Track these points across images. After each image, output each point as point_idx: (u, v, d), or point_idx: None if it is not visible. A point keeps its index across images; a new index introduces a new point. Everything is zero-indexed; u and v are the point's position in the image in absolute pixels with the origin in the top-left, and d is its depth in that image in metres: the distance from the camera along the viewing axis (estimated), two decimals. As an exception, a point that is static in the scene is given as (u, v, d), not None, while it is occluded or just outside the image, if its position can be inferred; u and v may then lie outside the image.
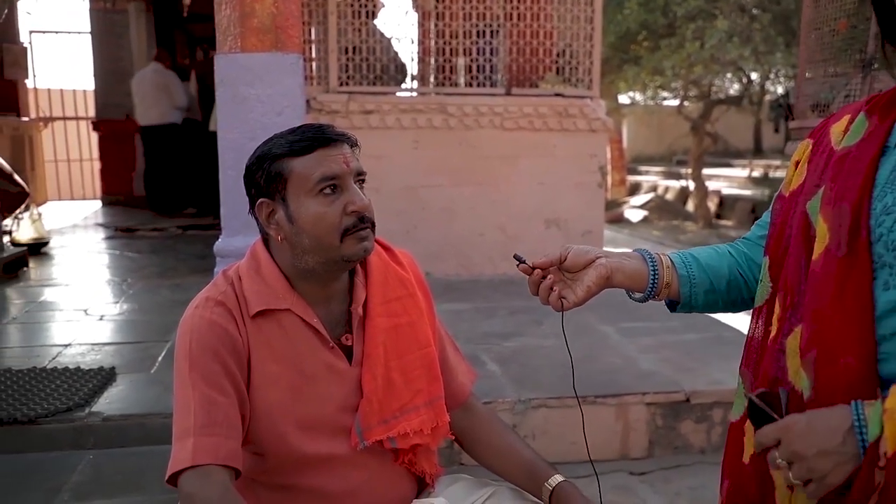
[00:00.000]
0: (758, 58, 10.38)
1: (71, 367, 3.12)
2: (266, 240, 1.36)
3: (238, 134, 2.86)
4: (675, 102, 13.56)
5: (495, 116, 4.92)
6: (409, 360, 1.41)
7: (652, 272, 1.23)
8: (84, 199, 10.26)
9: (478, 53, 4.98)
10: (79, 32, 10.01)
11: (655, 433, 2.94)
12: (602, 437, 2.90)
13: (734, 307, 1.28)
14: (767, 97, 12.88)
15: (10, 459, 2.58)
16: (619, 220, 12.67)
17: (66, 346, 3.51)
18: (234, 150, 2.83)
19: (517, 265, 1.29)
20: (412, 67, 5.30)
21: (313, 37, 4.98)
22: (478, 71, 5.02)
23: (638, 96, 14.77)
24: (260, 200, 1.30)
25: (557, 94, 5.01)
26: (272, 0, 2.82)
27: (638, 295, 1.28)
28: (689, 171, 12.96)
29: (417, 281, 1.50)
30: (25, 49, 9.58)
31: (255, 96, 2.87)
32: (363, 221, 1.29)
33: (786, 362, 1.02)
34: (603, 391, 2.94)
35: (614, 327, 3.78)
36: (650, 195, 14.03)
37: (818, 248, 0.99)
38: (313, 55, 4.92)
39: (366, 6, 4.88)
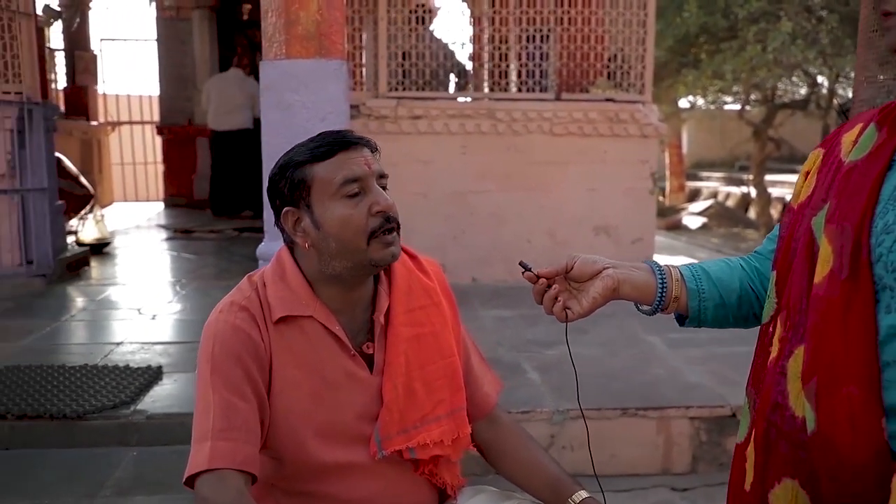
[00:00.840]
0: (825, 60, 10.03)
1: (120, 364, 3.21)
2: (291, 247, 1.36)
3: (282, 139, 2.89)
4: (737, 107, 13.20)
5: (544, 122, 4.87)
6: (431, 369, 1.39)
7: (660, 285, 1.19)
8: (147, 200, 10.59)
9: (527, 58, 4.95)
10: (145, 40, 10.35)
11: (699, 448, 2.85)
12: (643, 451, 2.83)
13: (745, 323, 1.23)
14: (836, 101, 12.43)
15: (58, 454, 2.67)
16: (676, 227, 12.40)
17: (118, 344, 3.62)
18: (278, 155, 2.86)
19: (522, 273, 1.27)
20: (465, 72, 5.29)
21: (364, 42, 5.02)
22: (527, 76, 4.98)
23: (698, 100, 14.44)
24: (285, 209, 1.30)
25: (608, 99, 4.93)
26: (316, 8, 2.85)
27: (646, 308, 1.25)
28: (751, 177, 12.59)
29: (443, 290, 1.48)
30: (96, 56, 9.97)
31: (300, 102, 2.91)
32: (389, 221, 1.28)
33: (786, 386, 0.97)
34: (644, 403, 2.87)
35: (661, 338, 3.69)
36: (710, 202, 13.68)
37: (821, 270, 0.94)
38: (363, 61, 4.95)
39: (416, 12, 4.90)
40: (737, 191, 14.09)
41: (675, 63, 10.89)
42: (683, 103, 14.65)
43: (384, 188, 1.32)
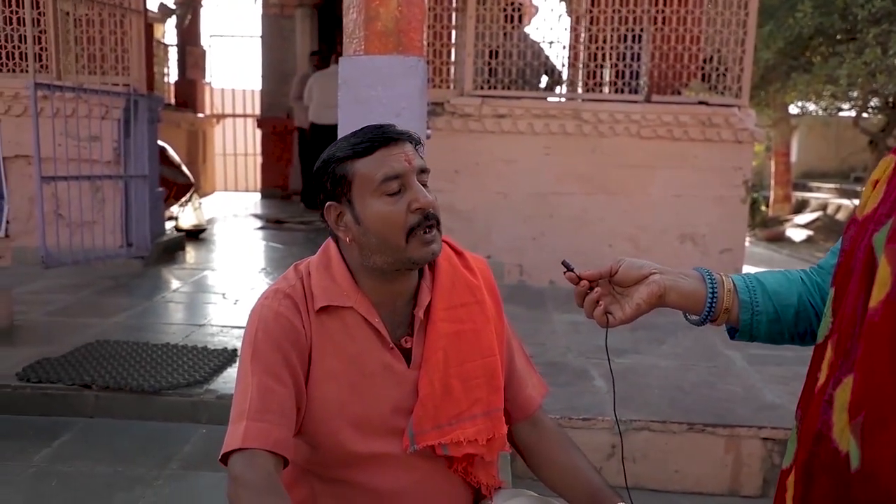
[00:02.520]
0: (955, 67, 9.31)
1: (199, 345, 3.36)
2: (337, 239, 1.38)
3: (359, 135, 2.95)
4: (853, 114, 12.44)
5: (632, 124, 4.75)
6: (469, 367, 1.38)
7: (710, 294, 1.13)
8: (246, 191, 11.04)
9: (618, 59, 4.83)
10: (251, 36, 10.78)
11: (772, 471, 2.71)
12: (709, 470, 2.72)
13: (802, 340, 1.15)
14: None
15: (135, 425, 2.82)
16: (779, 239, 11.83)
17: (199, 326, 3.79)
18: (353, 150, 2.92)
19: (564, 272, 1.23)
20: (555, 71, 5.22)
21: (453, 40, 5.04)
22: (617, 77, 4.87)
23: (811, 106, 13.71)
24: (328, 204, 1.31)
25: (701, 102, 4.75)
26: (396, 4, 2.88)
27: (694, 318, 1.19)
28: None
29: (488, 288, 1.46)
30: (205, 52, 10.46)
31: (376, 97, 2.95)
32: (428, 219, 1.27)
33: (832, 417, 0.90)
34: (714, 420, 2.75)
35: (742, 353, 3.52)
36: (817, 214, 12.97)
37: (878, 294, 0.86)
38: (451, 59, 4.97)
39: (506, 10, 4.88)
40: (848, 203, 13.27)
41: (785, 66, 10.36)
42: (793, 109, 13.94)
43: (425, 183, 1.31)
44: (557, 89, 5.26)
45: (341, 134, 3.03)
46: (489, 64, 4.85)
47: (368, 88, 2.93)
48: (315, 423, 1.31)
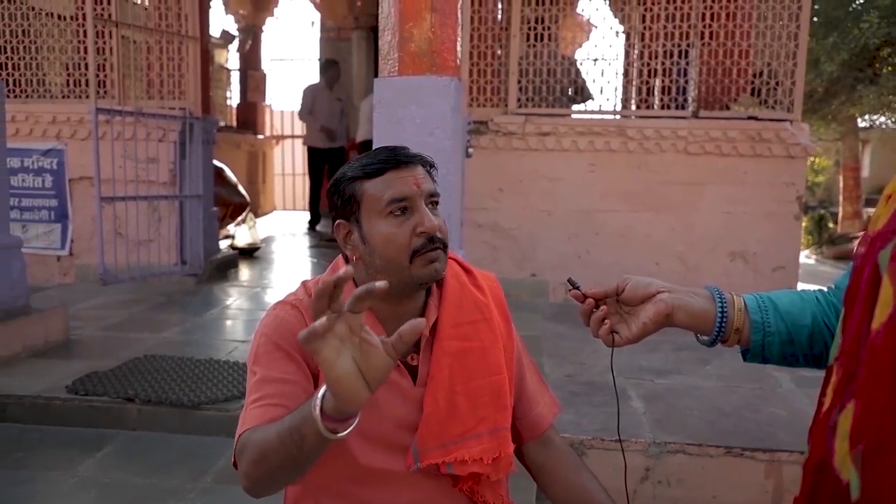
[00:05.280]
0: None
1: (241, 361, 3.44)
2: (347, 260, 1.41)
3: (392, 154, 2.99)
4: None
5: (678, 140, 4.66)
6: (476, 385, 1.38)
7: (720, 314, 1.10)
8: (304, 210, 11.25)
9: (665, 75, 4.77)
10: (309, 59, 11.06)
11: (815, 499, 2.59)
12: (748, 495, 2.62)
13: (818, 363, 1.10)
14: None
15: (173, 438, 2.90)
16: (847, 257, 11.37)
17: (243, 342, 3.88)
18: (387, 170, 2.96)
19: (568, 290, 1.22)
20: (608, 89, 5.15)
21: (499, 59, 5.06)
22: (664, 92, 4.80)
23: (881, 119, 13.19)
24: (338, 222, 1.34)
25: (751, 118, 4.63)
26: (429, 26, 2.92)
27: (704, 338, 1.15)
28: (941, 205, 11.27)
29: (498, 305, 1.46)
30: (265, 75, 10.78)
31: (409, 117, 2.98)
32: (433, 242, 1.29)
33: (835, 444, 0.86)
34: (754, 444, 2.66)
35: (790, 374, 3.40)
36: (889, 231, 12.40)
37: (880, 315, 0.81)
38: (494, 77, 4.99)
39: (549, 29, 4.88)
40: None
41: (851, 78, 10.02)
42: (862, 122, 13.44)
43: (435, 205, 1.32)
44: (602, 106, 5.21)
45: (373, 154, 3.09)
46: (533, 82, 4.85)
47: (402, 108, 2.97)
48: None
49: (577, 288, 1.19)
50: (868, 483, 0.79)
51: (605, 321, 1.17)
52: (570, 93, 4.98)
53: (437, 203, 1.33)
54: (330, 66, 8.08)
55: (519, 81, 4.83)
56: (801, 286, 4.85)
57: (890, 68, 9.88)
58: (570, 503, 1.41)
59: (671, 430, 2.76)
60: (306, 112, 7.90)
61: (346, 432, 1.02)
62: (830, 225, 13.49)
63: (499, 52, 5.05)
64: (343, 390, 0.94)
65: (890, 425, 0.78)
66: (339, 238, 1.34)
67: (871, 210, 14.06)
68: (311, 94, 7.92)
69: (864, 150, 15.77)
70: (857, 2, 10.03)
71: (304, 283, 1.44)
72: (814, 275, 9.17)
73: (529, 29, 4.83)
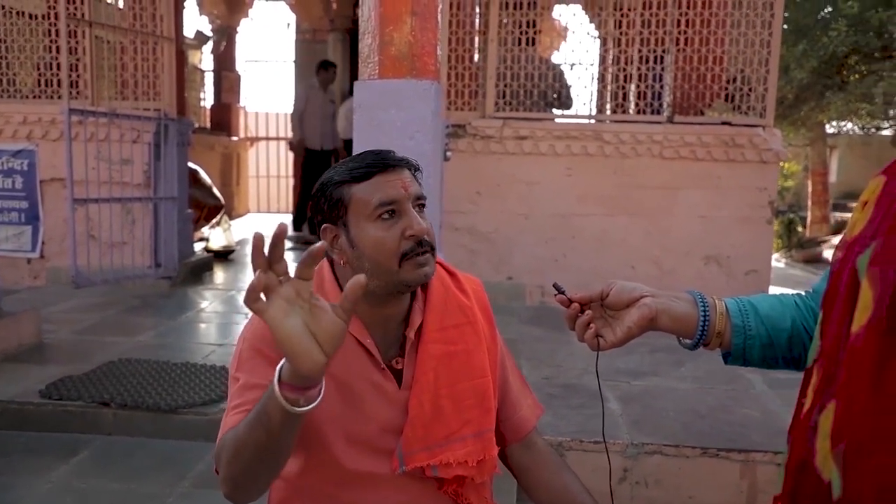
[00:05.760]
0: None
1: (218, 365, 3.41)
2: (332, 261, 1.41)
3: (373, 157, 2.99)
4: (892, 132, 12.20)
5: (654, 145, 4.72)
6: (460, 388, 1.38)
7: (702, 318, 1.12)
8: (279, 212, 11.19)
9: (640, 80, 4.82)
10: (284, 61, 11.00)
11: (789, 499, 2.64)
12: (723, 496, 2.66)
13: (797, 365, 1.13)
14: None
15: (150, 443, 2.87)
16: (816, 260, 11.60)
17: (219, 345, 3.85)
18: (366, 172, 2.96)
19: (554, 295, 1.23)
20: (584, 94, 5.21)
21: (476, 62, 5.09)
22: (639, 97, 4.86)
23: (848, 125, 13.47)
24: (324, 226, 1.34)
25: (725, 123, 4.71)
26: (409, 29, 2.92)
27: (686, 341, 1.18)
28: (906, 209, 11.54)
29: (482, 309, 1.47)
30: (239, 76, 10.70)
31: (390, 121, 2.99)
32: (421, 245, 1.29)
33: (816, 444, 0.88)
34: (729, 445, 2.70)
35: (763, 376, 3.46)
36: (856, 234, 12.66)
37: (860, 318, 0.84)
38: (472, 81, 5.01)
39: (527, 34, 4.91)
40: (888, 224, 12.97)
41: (820, 85, 10.22)
42: (830, 128, 13.71)
43: (422, 208, 1.33)
44: (578, 111, 5.25)
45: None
46: (510, 86, 4.88)
47: (382, 112, 2.98)
48: (310, 434, 1.32)
49: (563, 292, 1.21)
50: (849, 482, 0.81)
51: (591, 325, 1.18)
52: (547, 98, 5.00)
53: (423, 206, 1.33)
54: (326, 68, 7.89)
55: (497, 85, 4.86)
56: (772, 290, 4.94)
57: (857, 76, 10.10)
58: (552, 504, 1.43)
59: (648, 432, 2.80)
60: (298, 112, 7.74)
61: (308, 406, 1.00)
62: (799, 229, 13.73)
63: (476, 55, 5.08)
64: (294, 349, 0.92)
65: (870, 425, 0.80)
66: (326, 242, 1.34)
67: (839, 214, 14.35)
68: (304, 94, 7.79)
69: (831, 156, 16.08)
70: (826, 10, 10.24)
71: (286, 287, 1.43)
72: (784, 278, 9.33)
73: (507, 33, 4.86)
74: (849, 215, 12.65)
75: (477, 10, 5.06)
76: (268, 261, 0.94)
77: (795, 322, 1.11)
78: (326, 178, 1.34)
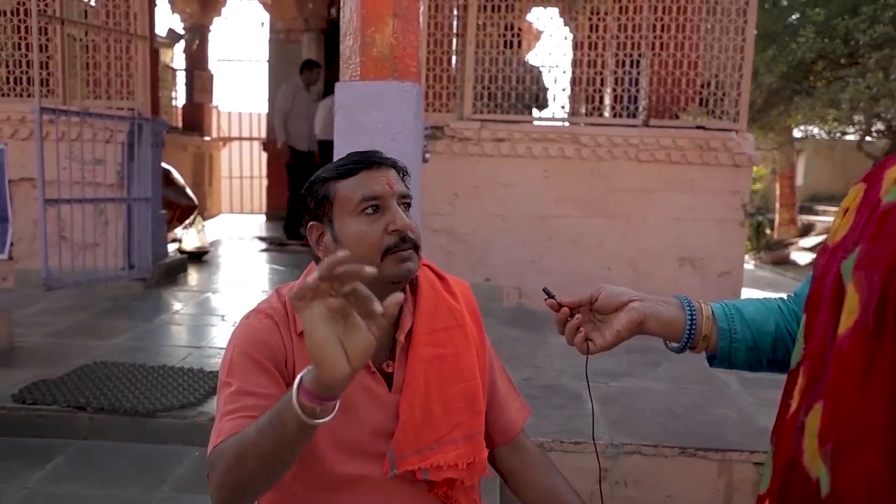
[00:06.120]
0: (959, 90, 9.32)
1: (195, 367, 3.38)
2: (318, 262, 1.40)
3: (353, 159, 2.98)
4: (858, 137, 12.46)
5: (630, 148, 4.78)
6: (451, 391, 1.39)
7: (689, 322, 1.15)
8: (252, 213, 11.10)
9: (616, 84, 4.87)
10: (257, 61, 10.92)
11: (765, 497, 2.69)
12: (701, 494, 2.70)
13: (780, 368, 1.16)
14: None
15: (127, 447, 2.83)
16: (784, 262, 11.81)
17: (197, 348, 3.81)
18: (348, 174, 2.95)
19: (545, 300, 1.25)
20: (561, 97, 5.24)
21: (453, 65, 5.10)
22: (616, 101, 4.91)
23: (815, 130, 13.74)
24: (310, 224, 1.34)
25: (699, 127, 4.78)
26: (391, 31, 2.92)
27: (674, 345, 1.20)
28: (870, 212, 11.79)
29: (470, 312, 1.48)
30: (212, 76, 10.60)
31: (371, 123, 2.98)
32: (405, 241, 1.29)
33: (803, 443, 0.91)
34: (707, 444, 2.74)
35: (736, 376, 3.52)
36: (823, 237, 12.93)
37: (846, 321, 0.87)
38: (450, 83, 5.02)
39: (505, 36, 4.94)
40: (853, 226, 13.25)
41: (788, 90, 10.41)
42: (798, 133, 13.97)
43: (408, 207, 1.33)
44: (555, 113, 5.30)
45: (336, 158, 3.08)
46: (488, 88, 4.90)
47: (364, 113, 2.97)
48: None
49: (553, 297, 1.23)
50: (837, 480, 0.84)
51: (580, 329, 1.20)
52: (525, 100, 5.04)
53: (409, 205, 1.34)
54: (311, 68, 7.76)
55: (474, 87, 4.88)
56: (743, 292, 5.02)
57: (824, 81, 10.29)
58: (541, 506, 1.44)
59: (627, 432, 2.83)
60: (283, 113, 7.60)
61: (324, 419, 1.00)
62: (768, 231, 13.96)
63: (454, 57, 5.09)
64: (322, 355, 0.92)
65: (857, 425, 0.83)
66: (312, 240, 1.35)
67: (805, 217, 14.63)
68: (291, 94, 7.67)
69: (798, 160, 16.37)
70: (794, 17, 10.44)
71: (277, 291, 1.43)
72: (753, 280, 9.48)
73: (485, 35, 4.88)
74: (815, 218, 12.87)
75: (455, 12, 5.07)
76: (334, 276, 0.92)
77: (779, 325, 1.14)
78: (314, 177, 1.35)
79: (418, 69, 3.10)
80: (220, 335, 4.09)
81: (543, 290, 1.26)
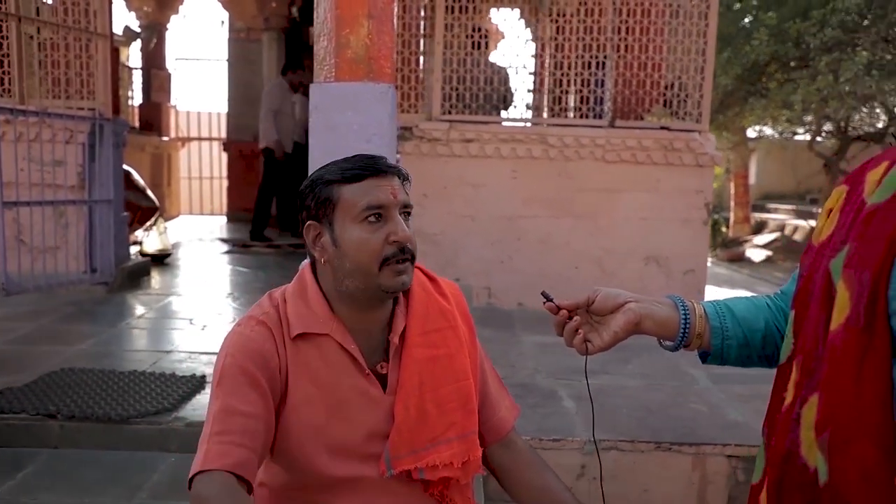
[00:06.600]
0: (904, 92, 9.67)
1: (167, 372, 3.32)
2: (314, 265, 1.40)
3: (328, 159, 2.94)
4: (809, 138, 12.82)
5: (597, 148, 4.84)
6: (444, 391, 1.40)
7: (683, 321, 1.19)
8: (212, 214, 10.94)
9: (582, 85, 4.94)
10: (217, 60, 10.77)
11: (736, 488, 2.77)
12: (677, 487, 2.76)
13: (770, 363, 1.20)
14: (903, 133, 11.92)
15: (102, 455, 2.77)
16: (739, 260, 12.09)
17: (167, 352, 3.75)
18: (324, 175, 2.94)
19: (543, 303, 1.27)
20: (527, 97, 5.28)
21: (421, 65, 5.11)
22: (582, 102, 4.98)
23: (768, 130, 14.09)
24: (308, 223, 1.34)
25: (664, 128, 4.88)
26: (366, 32, 2.92)
27: (668, 343, 1.24)
28: (821, 210, 12.17)
29: (461, 312, 1.50)
30: (170, 75, 10.41)
31: (346, 124, 2.98)
32: (403, 252, 1.31)
33: (800, 434, 0.95)
34: (681, 438, 2.80)
35: (705, 372, 3.60)
36: (775, 234, 13.30)
37: (838, 317, 0.91)
38: (419, 84, 5.03)
39: (473, 37, 4.96)
40: (805, 224, 13.65)
41: (743, 92, 10.66)
42: (751, 133, 14.32)
43: (408, 216, 1.34)
44: (523, 114, 5.34)
45: (312, 159, 3.06)
46: (456, 89, 4.92)
47: (339, 115, 2.97)
48: (291, 447, 1.32)
49: (551, 300, 1.25)
50: (835, 468, 0.88)
51: (579, 331, 1.23)
52: (493, 101, 5.07)
53: (409, 214, 1.36)
54: (295, 69, 7.70)
55: (443, 88, 4.89)
56: (707, 289, 5.14)
57: (776, 83, 10.56)
58: (533, 502, 1.46)
59: (604, 429, 2.87)
60: (273, 113, 7.52)
61: None
62: (723, 229, 14.28)
63: (422, 58, 5.10)
64: None
65: (853, 414, 0.87)
66: (309, 239, 1.35)
67: (758, 215, 15.01)
68: (279, 95, 7.60)
69: (750, 159, 16.76)
70: (746, 20, 10.69)
71: (269, 295, 1.42)
72: (711, 277, 9.65)
73: (453, 36, 4.90)
74: (768, 216, 13.18)
75: (422, 13, 5.08)
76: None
77: (768, 322, 1.18)
78: (316, 177, 1.35)
79: (393, 70, 3.11)
80: (189, 339, 4.03)
81: (542, 293, 1.29)
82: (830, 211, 1.04)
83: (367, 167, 1.31)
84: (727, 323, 1.18)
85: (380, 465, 1.34)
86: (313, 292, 1.36)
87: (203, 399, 3.07)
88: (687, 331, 1.18)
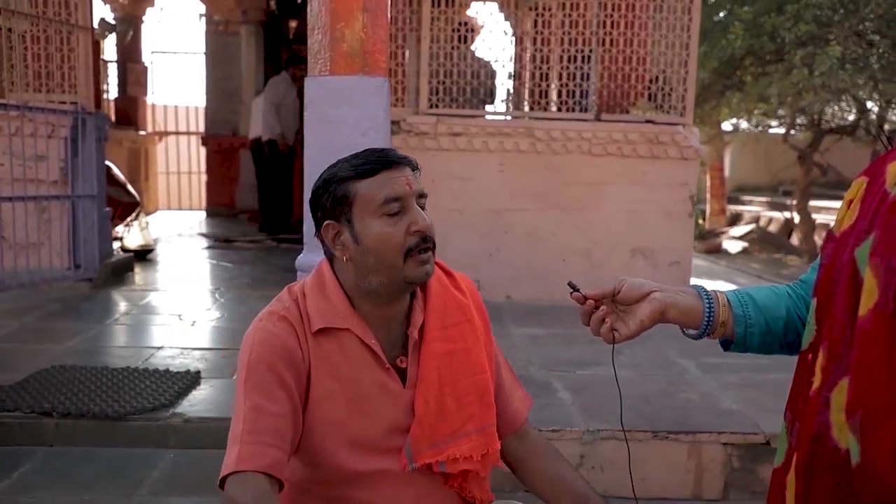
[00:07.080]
0: (876, 85, 9.83)
1: (161, 368, 3.30)
2: (331, 260, 1.40)
3: (323, 154, 2.94)
4: (783, 131, 13.00)
5: (583, 142, 4.88)
6: (462, 385, 1.41)
7: (707, 309, 1.21)
8: (190, 209, 10.82)
9: (568, 78, 4.97)
10: (194, 53, 10.64)
11: (731, 475, 2.82)
12: (673, 475, 2.81)
13: (791, 350, 1.23)
14: (887, 127, 12.13)
15: (99, 452, 2.75)
16: (716, 251, 12.23)
17: (158, 348, 3.72)
18: (319, 170, 2.92)
19: (570, 293, 1.29)
20: (508, 91, 5.32)
21: (407, 59, 5.10)
22: (568, 96, 5.01)
23: (743, 123, 14.26)
24: (326, 222, 1.34)
25: (649, 121, 4.93)
26: (361, 26, 2.91)
27: (692, 332, 1.26)
28: (795, 202, 12.37)
29: (476, 306, 1.51)
30: (146, 68, 10.26)
31: (341, 118, 2.97)
32: (426, 241, 1.32)
33: (829, 417, 0.97)
34: (676, 427, 2.85)
35: (695, 362, 3.65)
36: (751, 226, 13.48)
37: (866, 303, 0.94)
38: (405, 78, 5.03)
39: (458, 30, 4.97)
40: (780, 216, 13.87)
41: (720, 85, 10.76)
42: (727, 126, 14.48)
43: (423, 207, 1.35)
44: (510, 107, 5.36)
45: (307, 154, 3.05)
46: (443, 83, 4.92)
47: (334, 109, 2.95)
48: (313, 442, 1.32)
49: (578, 290, 1.27)
50: (867, 448, 0.90)
51: (605, 320, 1.25)
52: (480, 94, 5.08)
53: (424, 202, 1.36)
54: (296, 64, 7.58)
55: (430, 82, 4.89)
56: (692, 281, 5.21)
57: (752, 77, 10.69)
58: (549, 493, 1.48)
59: (601, 419, 2.91)
60: (275, 106, 7.47)
61: None
62: (700, 221, 14.44)
63: (408, 52, 5.09)
64: None
65: (884, 397, 0.90)
66: (328, 239, 1.35)
67: (733, 207, 15.21)
68: (283, 87, 7.54)
69: (725, 152, 16.96)
70: (722, 14, 10.80)
71: (288, 289, 1.42)
72: (693, 268, 9.77)
73: (439, 30, 4.90)
74: (742, 208, 13.31)
75: (409, 6, 5.07)
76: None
77: (790, 310, 1.21)
78: (330, 175, 1.35)
79: (387, 64, 3.11)
80: (180, 335, 4.00)
81: (569, 283, 1.30)
82: (851, 202, 1.07)
83: (379, 161, 1.31)
84: (750, 311, 1.20)
85: (401, 458, 1.35)
86: (332, 287, 1.36)
87: (199, 395, 3.05)
88: (711, 319, 1.20)
